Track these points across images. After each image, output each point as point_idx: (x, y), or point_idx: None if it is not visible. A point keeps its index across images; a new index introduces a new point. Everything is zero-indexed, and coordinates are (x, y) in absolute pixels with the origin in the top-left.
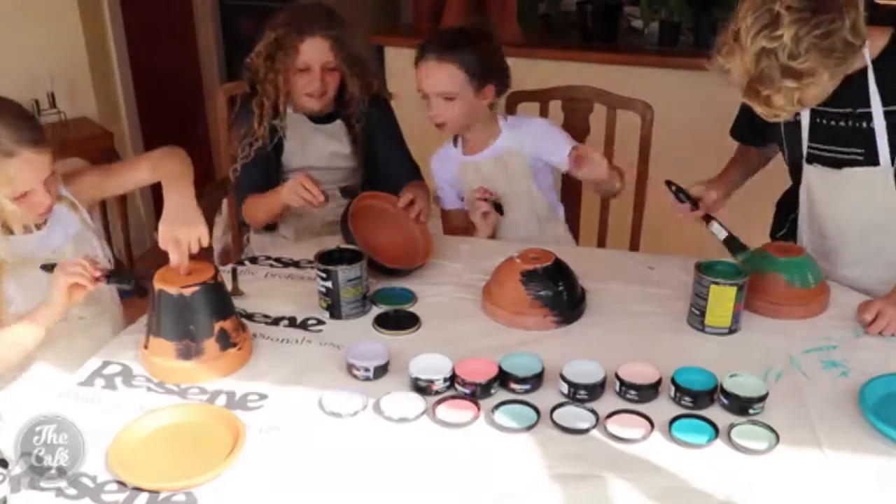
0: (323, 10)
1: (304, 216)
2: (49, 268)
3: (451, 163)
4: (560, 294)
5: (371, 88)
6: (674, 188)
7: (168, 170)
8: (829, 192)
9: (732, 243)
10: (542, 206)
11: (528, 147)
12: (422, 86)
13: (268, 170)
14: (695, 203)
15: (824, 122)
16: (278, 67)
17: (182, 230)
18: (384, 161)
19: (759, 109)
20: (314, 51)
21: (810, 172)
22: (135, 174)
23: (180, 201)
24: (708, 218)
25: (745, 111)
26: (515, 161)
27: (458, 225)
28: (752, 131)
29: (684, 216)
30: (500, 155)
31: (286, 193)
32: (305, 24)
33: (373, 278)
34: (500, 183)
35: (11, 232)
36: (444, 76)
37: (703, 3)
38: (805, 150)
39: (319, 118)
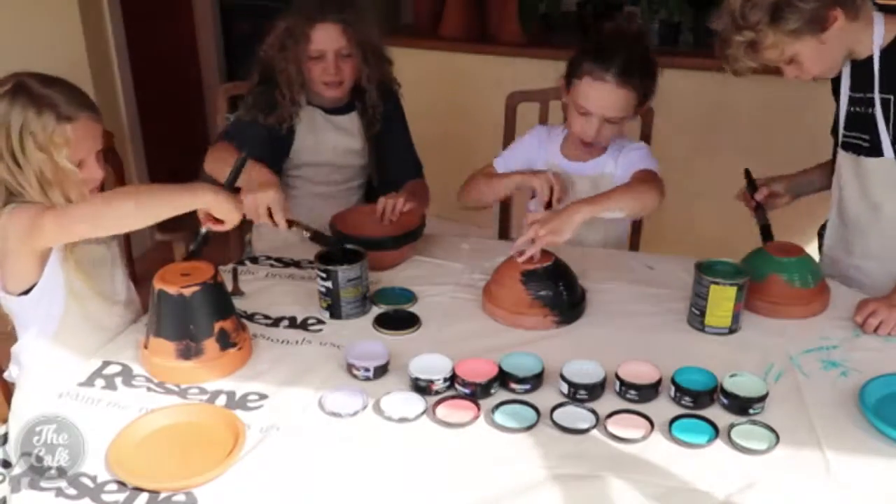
0: None
1: (314, 221)
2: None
3: (547, 150)
4: (560, 294)
5: (385, 76)
6: (749, 178)
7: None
8: (852, 180)
9: (765, 232)
10: (613, 232)
11: (619, 171)
12: (585, 102)
13: (269, 147)
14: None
15: (851, 108)
16: (290, 56)
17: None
18: (391, 157)
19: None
20: (326, 37)
21: (840, 158)
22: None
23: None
24: (759, 207)
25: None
26: (605, 185)
27: (481, 186)
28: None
29: (746, 203)
30: (597, 175)
31: (248, 204)
32: (316, 10)
33: (379, 269)
34: None
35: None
36: (620, 102)
37: (703, 3)
38: (840, 136)
39: (334, 110)
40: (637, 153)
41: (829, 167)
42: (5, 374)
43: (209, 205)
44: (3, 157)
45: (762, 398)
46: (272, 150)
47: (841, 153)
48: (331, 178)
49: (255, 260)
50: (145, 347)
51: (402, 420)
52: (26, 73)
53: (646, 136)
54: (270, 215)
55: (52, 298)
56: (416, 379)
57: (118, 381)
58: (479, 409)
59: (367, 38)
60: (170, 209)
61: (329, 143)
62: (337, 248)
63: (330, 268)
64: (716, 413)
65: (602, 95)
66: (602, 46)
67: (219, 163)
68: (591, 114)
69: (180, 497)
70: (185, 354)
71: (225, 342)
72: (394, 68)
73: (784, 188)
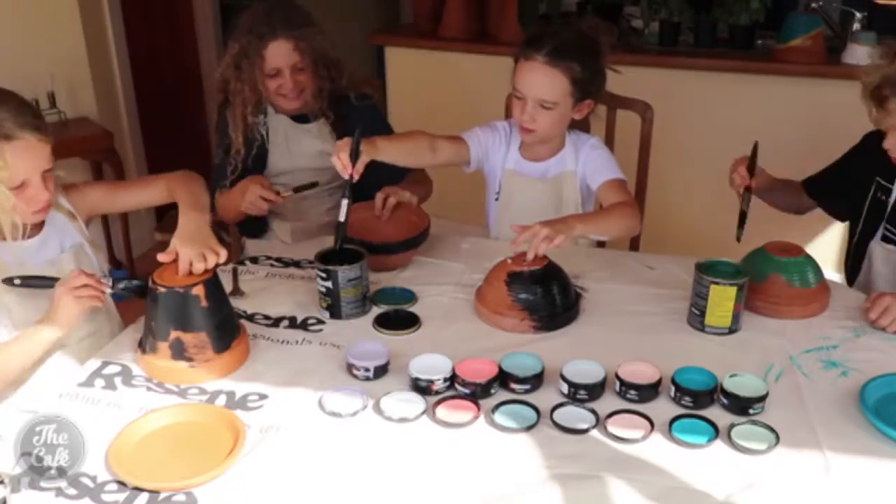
0: (281, 10)
1: (301, 219)
2: (37, 280)
3: (509, 147)
4: (542, 299)
5: (341, 84)
6: (754, 152)
7: (187, 192)
8: (888, 273)
9: (742, 219)
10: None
11: (580, 168)
12: (519, 85)
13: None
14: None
15: None
16: (245, 77)
17: (195, 251)
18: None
19: (874, 114)
20: (280, 54)
21: (876, 248)
22: (149, 192)
23: (197, 225)
24: (748, 190)
25: (834, 176)
26: (569, 185)
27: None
28: (828, 191)
29: (740, 181)
30: (557, 174)
31: (246, 206)
32: (267, 28)
33: (382, 270)
34: (548, 208)
35: (3, 238)
36: (550, 82)
37: (703, 3)
38: (882, 229)
39: (298, 118)
40: (600, 155)
41: (799, 193)
42: None
43: (63, 331)
44: None
45: (762, 398)
46: (253, 170)
47: (879, 244)
48: (313, 179)
49: (255, 260)
50: (139, 346)
51: (402, 420)
52: None
53: (646, 136)
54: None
55: None
56: (416, 379)
57: (118, 381)
58: (479, 409)
59: (319, 51)
60: (28, 363)
61: (301, 148)
62: (340, 243)
63: (330, 268)
64: (716, 413)
65: (531, 75)
66: (540, 33)
67: (228, 211)
68: (525, 97)
69: (180, 497)
70: (180, 354)
71: (220, 343)
72: (394, 68)
73: (763, 186)
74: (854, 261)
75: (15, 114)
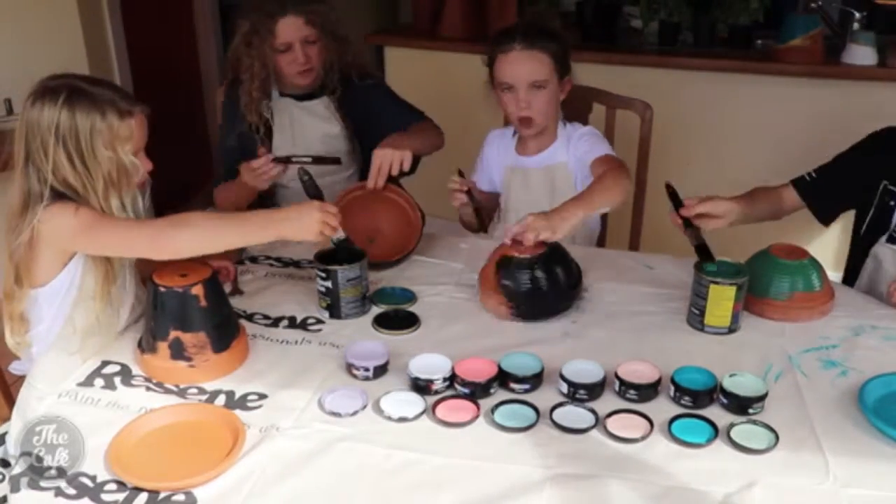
0: None
1: None
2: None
3: (505, 151)
4: (525, 289)
5: (348, 59)
6: (670, 191)
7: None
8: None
9: (701, 252)
10: (584, 226)
11: (571, 155)
12: (506, 76)
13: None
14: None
15: None
16: (256, 53)
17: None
18: (385, 118)
19: None
20: (290, 29)
21: (883, 250)
22: None
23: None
24: (687, 224)
25: (831, 176)
26: (561, 175)
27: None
28: (822, 192)
29: (676, 222)
30: (550, 165)
31: (255, 181)
32: (276, 4)
33: (381, 269)
34: (543, 197)
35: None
36: (536, 64)
37: (703, 3)
38: (889, 233)
39: (304, 96)
40: (587, 139)
41: (777, 197)
42: (11, 367)
43: (285, 235)
44: (75, 163)
45: (762, 398)
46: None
47: (885, 246)
48: (318, 169)
49: (254, 260)
50: (138, 346)
51: (402, 420)
52: (67, 76)
53: (645, 136)
54: None
55: (66, 296)
56: (416, 378)
57: (117, 380)
58: (478, 408)
59: (329, 24)
60: (240, 241)
61: (305, 131)
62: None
63: (330, 268)
64: (715, 413)
65: (516, 64)
66: (503, 28)
67: (228, 202)
68: (514, 86)
69: (180, 497)
70: (179, 354)
71: (219, 343)
72: (394, 68)
73: (723, 211)
74: (854, 263)
75: (124, 93)
